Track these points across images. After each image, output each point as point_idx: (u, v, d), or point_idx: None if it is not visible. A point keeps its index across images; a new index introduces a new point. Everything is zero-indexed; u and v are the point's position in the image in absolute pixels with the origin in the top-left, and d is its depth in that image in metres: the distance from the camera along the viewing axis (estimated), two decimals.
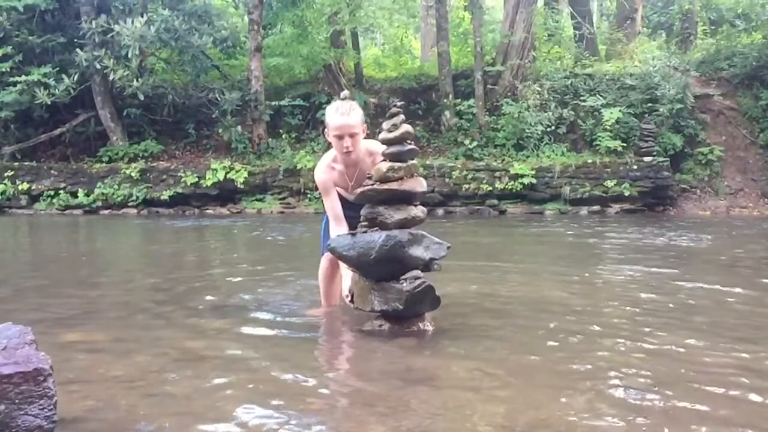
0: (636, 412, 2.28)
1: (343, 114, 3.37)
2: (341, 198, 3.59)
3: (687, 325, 3.59)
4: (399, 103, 3.28)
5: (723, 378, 2.58)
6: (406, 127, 3.15)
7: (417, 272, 3.16)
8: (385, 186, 3.12)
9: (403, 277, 3.13)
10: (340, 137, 3.38)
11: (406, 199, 3.18)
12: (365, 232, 3.17)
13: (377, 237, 3.07)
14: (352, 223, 3.45)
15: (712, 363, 2.77)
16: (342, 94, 3.55)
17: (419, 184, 3.17)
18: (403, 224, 3.14)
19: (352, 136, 3.38)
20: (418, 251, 3.08)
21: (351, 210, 3.56)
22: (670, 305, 4.12)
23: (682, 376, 2.63)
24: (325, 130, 3.52)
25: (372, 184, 3.14)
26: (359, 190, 3.18)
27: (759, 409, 2.31)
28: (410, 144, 3.17)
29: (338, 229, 3.50)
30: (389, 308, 3.13)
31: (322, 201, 3.71)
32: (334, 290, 3.78)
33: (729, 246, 7.84)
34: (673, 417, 2.22)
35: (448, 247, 3.19)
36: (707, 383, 2.50)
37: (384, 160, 3.18)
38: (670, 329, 3.45)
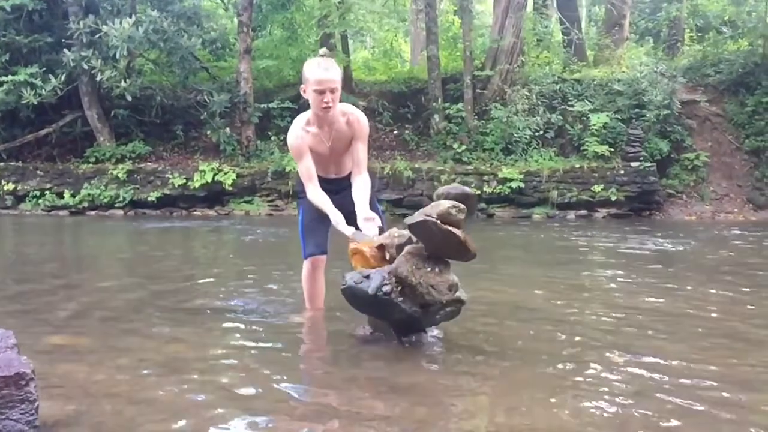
0: (615, 421, 2.30)
1: (325, 69, 3.35)
2: (321, 179, 3.55)
3: (670, 331, 3.61)
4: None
5: (701, 390, 2.58)
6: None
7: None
8: (450, 228, 2.83)
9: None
10: (321, 92, 3.34)
11: (458, 254, 2.96)
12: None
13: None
14: (333, 200, 3.45)
15: (691, 374, 2.77)
16: (321, 51, 3.56)
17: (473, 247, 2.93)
18: (445, 306, 2.99)
19: (332, 91, 3.35)
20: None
21: (332, 185, 3.54)
22: (654, 311, 4.15)
23: (661, 386, 2.64)
24: (302, 85, 3.46)
25: (434, 218, 2.83)
26: (418, 217, 2.87)
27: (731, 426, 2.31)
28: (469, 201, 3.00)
29: (313, 189, 3.45)
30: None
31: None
32: (318, 293, 3.76)
33: (713, 252, 7.90)
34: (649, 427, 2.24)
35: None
36: (683, 395, 2.50)
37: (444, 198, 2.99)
38: (654, 336, 3.48)
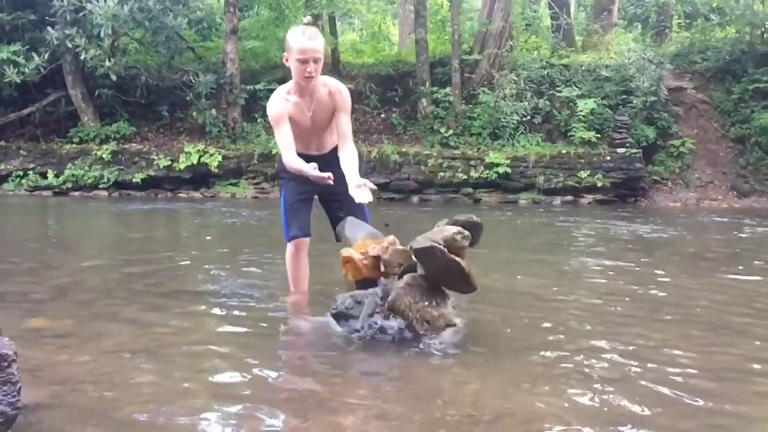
0: (596, 408, 2.32)
1: (310, 38, 3.31)
2: (302, 156, 3.51)
3: (652, 318, 3.64)
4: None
5: (681, 378, 2.60)
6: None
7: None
8: (457, 259, 2.77)
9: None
10: (304, 61, 3.31)
11: (460, 285, 2.92)
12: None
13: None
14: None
15: (672, 361, 2.79)
16: (305, 20, 3.52)
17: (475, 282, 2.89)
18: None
19: (315, 61, 3.33)
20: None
21: (314, 162, 3.51)
22: (637, 298, 4.18)
23: (643, 373, 2.66)
24: (284, 54, 3.43)
25: (441, 244, 2.76)
26: (425, 243, 2.78)
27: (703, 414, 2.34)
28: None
29: (290, 155, 3.41)
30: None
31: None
32: (302, 276, 3.75)
33: (697, 239, 7.98)
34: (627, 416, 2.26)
35: None
36: (663, 383, 2.52)
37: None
38: (636, 323, 3.50)
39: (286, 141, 3.44)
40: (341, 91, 3.54)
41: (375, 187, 3.32)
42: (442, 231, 2.81)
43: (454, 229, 2.79)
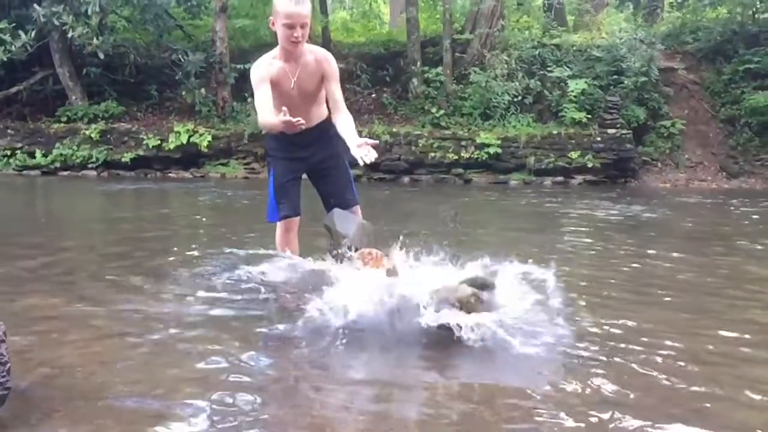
0: (580, 390, 2.34)
1: (297, 3, 3.29)
2: (293, 135, 3.51)
3: (639, 300, 3.67)
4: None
5: (664, 360, 2.63)
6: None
7: None
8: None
9: None
10: (291, 26, 3.30)
11: None
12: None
13: None
14: (302, 157, 3.44)
15: (657, 344, 2.82)
16: None
17: None
18: None
19: (302, 26, 3.32)
20: None
21: (301, 137, 3.46)
22: (626, 279, 4.21)
23: (628, 356, 2.68)
24: (270, 18, 3.41)
25: (456, 305, 2.75)
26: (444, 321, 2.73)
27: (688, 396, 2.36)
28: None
29: (265, 113, 3.33)
30: None
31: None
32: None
33: (685, 220, 8.02)
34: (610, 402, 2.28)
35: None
36: (647, 365, 2.55)
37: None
38: (623, 306, 3.52)
39: (264, 102, 3.37)
40: (328, 58, 3.53)
41: (377, 142, 3.30)
42: (457, 290, 2.80)
43: (469, 291, 2.80)
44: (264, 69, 3.45)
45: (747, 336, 3.01)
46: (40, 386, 2.23)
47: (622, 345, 2.78)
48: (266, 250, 4.14)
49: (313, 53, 3.50)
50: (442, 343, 2.73)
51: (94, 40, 13.13)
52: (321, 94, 3.59)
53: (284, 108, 3.16)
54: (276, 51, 3.49)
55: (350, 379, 2.47)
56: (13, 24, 13.46)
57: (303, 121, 3.16)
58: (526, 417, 2.10)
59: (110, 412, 2.08)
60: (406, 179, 13.12)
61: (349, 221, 3.35)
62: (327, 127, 3.66)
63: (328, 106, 3.68)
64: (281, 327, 3.04)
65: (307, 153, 3.60)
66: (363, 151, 3.17)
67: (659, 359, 2.61)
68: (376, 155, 3.18)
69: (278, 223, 3.68)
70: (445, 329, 2.70)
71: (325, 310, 2.84)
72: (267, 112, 3.30)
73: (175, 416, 2.05)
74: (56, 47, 14.24)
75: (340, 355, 2.67)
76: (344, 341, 2.75)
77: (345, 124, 3.43)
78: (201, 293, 3.59)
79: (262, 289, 3.68)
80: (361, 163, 3.15)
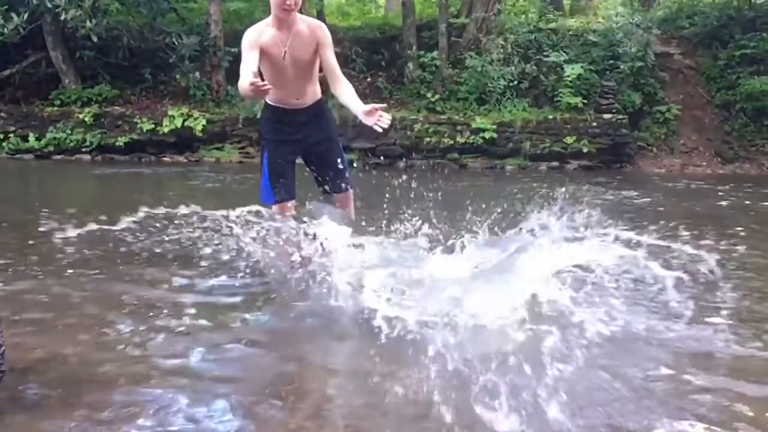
0: (552, 387, 2.34)
1: None
2: (284, 110, 3.49)
3: (623, 290, 3.62)
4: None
5: (641, 360, 2.61)
6: None
7: None
8: None
9: None
10: None
11: None
12: None
13: None
14: (297, 138, 3.41)
15: (635, 338, 2.80)
16: None
17: None
18: None
19: None
20: None
21: (296, 116, 3.45)
22: (614, 266, 4.18)
23: (604, 354, 2.64)
24: None
25: None
26: None
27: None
28: None
29: (243, 78, 3.20)
30: None
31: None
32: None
33: (678, 205, 8.03)
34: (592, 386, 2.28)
35: None
36: (621, 359, 2.54)
37: None
38: (611, 292, 3.49)
39: (247, 67, 3.28)
40: (321, 26, 3.53)
41: (384, 106, 3.27)
42: None
43: None
44: (254, 35, 3.42)
45: (730, 328, 3.00)
46: (36, 369, 2.22)
47: (600, 341, 2.68)
48: (261, 234, 4.13)
49: (306, 22, 3.50)
50: (425, 326, 2.73)
51: (87, 23, 13.01)
52: (315, 69, 3.56)
53: (254, 72, 3.12)
54: (269, 19, 3.47)
55: (347, 349, 2.47)
56: (6, 6, 13.31)
57: (270, 86, 3.08)
58: None
59: (105, 395, 2.08)
60: (401, 164, 13.10)
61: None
62: (322, 108, 3.64)
63: (322, 87, 3.65)
64: (276, 302, 3.03)
65: (302, 135, 3.58)
66: (374, 118, 3.16)
67: (636, 357, 2.62)
68: (389, 118, 3.15)
69: (273, 207, 3.66)
70: None
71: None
72: (244, 77, 3.19)
73: (164, 402, 2.05)
74: (49, 30, 14.10)
75: (333, 328, 2.68)
76: (338, 328, 2.75)
77: (347, 93, 3.41)
78: (197, 279, 3.59)
79: (257, 273, 3.68)
80: (379, 130, 3.14)
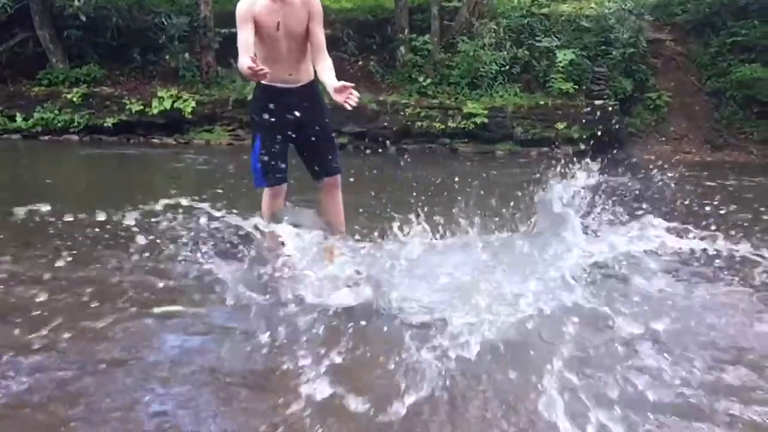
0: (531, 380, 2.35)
1: None
2: (280, 90, 3.48)
3: (604, 281, 3.64)
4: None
5: (620, 353, 2.66)
6: None
7: None
8: None
9: None
10: None
11: None
12: None
13: None
14: (292, 121, 3.39)
15: (632, 333, 2.82)
16: None
17: None
18: None
19: None
20: None
21: (292, 96, 3.44)
22: (606, 254, 4.19)
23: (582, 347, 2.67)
24: None
25: None
26: None
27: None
28: None
29: (243, 58, 3.33)
30: None
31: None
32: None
33: (667, 193, 8.05)
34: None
35: None
36: (597, 351, 2.56)
37: None
38: (603, 283, 3.51)
39: (245, 42, 3.38)
40: None
41: (353, 85, 3.29)
42: None
43: None
44: (247, 4, 3.44)
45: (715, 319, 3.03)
46: (33, 351, 2.22)
47: (575, 330, 2.73)
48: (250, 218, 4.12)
49: None
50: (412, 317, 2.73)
51: (75, 2, 12.86)
52: (307, 45, 3.54)
53: (251, 57, 3.19)
54: None
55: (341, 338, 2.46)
56: None
57: (267, 71, 3.13)
58: None
59: (104, 375, 2.07)
60: (392, 149, 13.07)
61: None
62: (314, 91, 3.62)
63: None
64: (268, 292, 3.02)
65: (294, 117, 3.54)
66: (344, 95, 3.17)
67: (612, 350, 2.62)
68: (358, 96, 3.20)
69: (265, 189, 3.65)
70: None
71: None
72: (243, 54, 3.30)
73: (139, 393, 2.05)
74: (36, 9, 13.91)
75: (324, 337, 2.67)
76: (330, 319, 2.74)
77: (326, 69, 3.44)
78: (184, 260, 3.56)
79: (246, 259, 3.66)
80: (348, 108, 3.16)
